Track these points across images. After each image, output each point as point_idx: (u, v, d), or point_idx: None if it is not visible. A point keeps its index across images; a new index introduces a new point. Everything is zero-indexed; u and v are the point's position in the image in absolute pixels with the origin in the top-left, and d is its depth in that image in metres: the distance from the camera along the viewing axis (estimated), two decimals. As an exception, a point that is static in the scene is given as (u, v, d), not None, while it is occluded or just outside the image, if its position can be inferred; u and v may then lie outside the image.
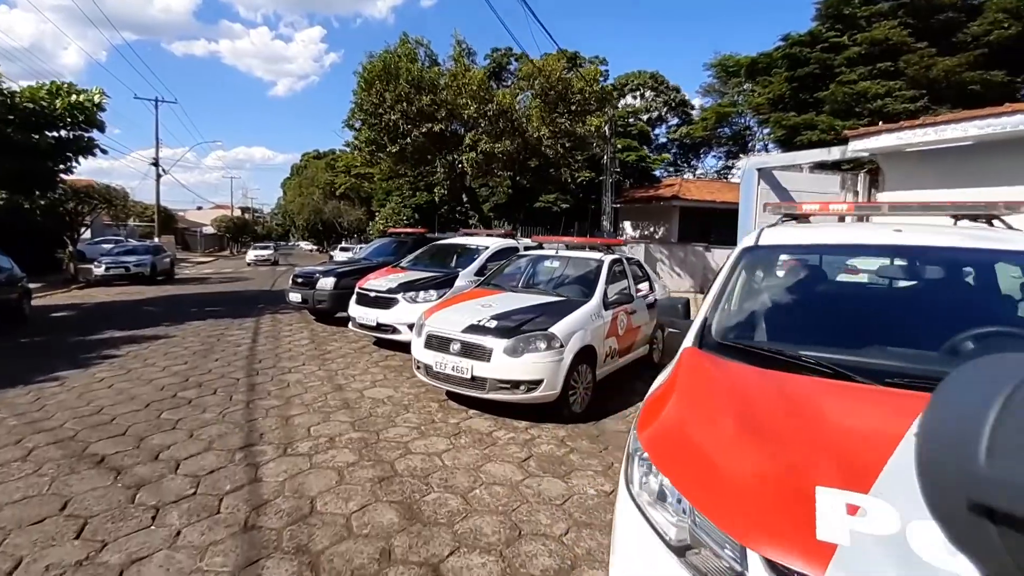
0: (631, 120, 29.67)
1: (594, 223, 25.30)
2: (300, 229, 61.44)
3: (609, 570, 1.58)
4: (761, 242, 2.65)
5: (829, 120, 19.49)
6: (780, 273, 2.92)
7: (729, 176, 40.10)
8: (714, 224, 24.06)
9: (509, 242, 8.51)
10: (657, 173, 31.29)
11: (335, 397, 5.10)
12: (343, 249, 34.49)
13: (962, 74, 18.33)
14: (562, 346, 4.40)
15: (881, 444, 1.32)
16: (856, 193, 18.12)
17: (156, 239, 30.22)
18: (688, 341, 2.19)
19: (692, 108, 36.33)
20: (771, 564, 1.15)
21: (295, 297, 9.26)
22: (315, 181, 50.16)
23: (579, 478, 3.50)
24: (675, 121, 34.95)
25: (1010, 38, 18.04)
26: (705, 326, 2.21)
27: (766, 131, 37.10)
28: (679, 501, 1.38)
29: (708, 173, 39.38)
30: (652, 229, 25.11)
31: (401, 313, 6.85)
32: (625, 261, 6.21)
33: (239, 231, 61.74)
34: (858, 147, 13.67)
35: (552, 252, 6.38)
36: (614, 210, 26.62)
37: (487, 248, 8.07)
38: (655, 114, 34.95)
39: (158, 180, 32.81)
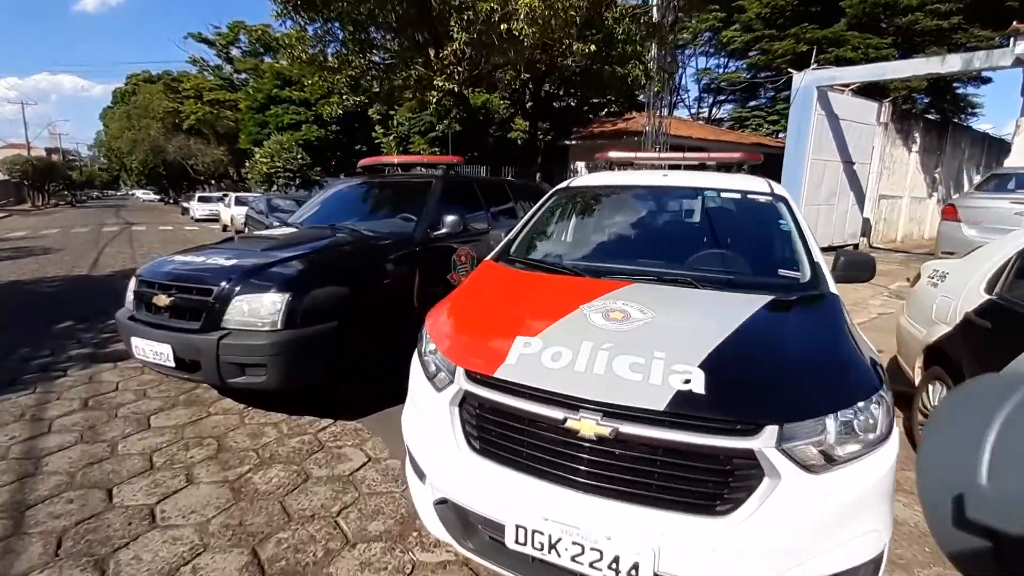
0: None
1: (549, 160, 19.99)
2: (134, 173, 47.94)
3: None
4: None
5: (860, 37, 15.96)
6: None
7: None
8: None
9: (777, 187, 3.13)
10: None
11: None
12: (203, 200, 25.27)
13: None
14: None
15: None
16: (885, 125, 15.16)
17: None
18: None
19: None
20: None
21: (150, 351, 3.03)
22: (150, 110, 37.50)
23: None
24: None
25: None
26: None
27: (702, 65, 33.81)
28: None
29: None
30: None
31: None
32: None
33: (43, 176, 46.63)
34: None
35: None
36: (564, 148, 21.60)
37: (780, 199, 2.66)
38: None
39: None
